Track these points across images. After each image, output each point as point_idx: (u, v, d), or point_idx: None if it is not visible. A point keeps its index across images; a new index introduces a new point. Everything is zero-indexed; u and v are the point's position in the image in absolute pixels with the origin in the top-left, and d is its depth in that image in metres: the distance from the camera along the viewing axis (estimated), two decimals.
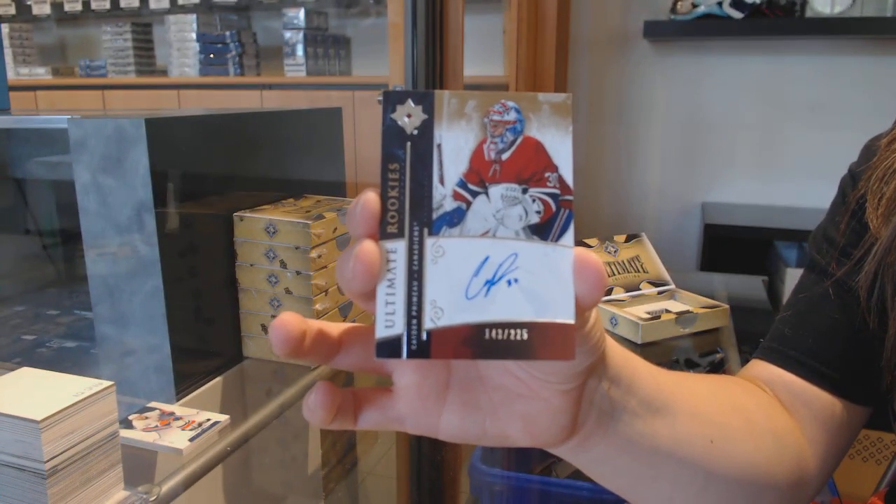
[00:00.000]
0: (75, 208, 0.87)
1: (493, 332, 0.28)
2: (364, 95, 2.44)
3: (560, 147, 0.28)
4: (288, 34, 2.83)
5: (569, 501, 0.75)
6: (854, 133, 2.17)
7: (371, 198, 0.27)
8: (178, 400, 0.89)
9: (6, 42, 3.25)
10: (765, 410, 0.50)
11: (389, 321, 0.27)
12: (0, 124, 1.14)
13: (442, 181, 0.28)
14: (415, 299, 0.28)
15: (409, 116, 0.28)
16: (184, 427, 0.77)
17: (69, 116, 0.86)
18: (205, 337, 0.95)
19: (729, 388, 0.50)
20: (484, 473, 0.77)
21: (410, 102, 0.28)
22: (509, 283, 0.28)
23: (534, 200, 0.28)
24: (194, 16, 2.99)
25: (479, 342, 0.28)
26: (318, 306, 0.96)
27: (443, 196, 0.28)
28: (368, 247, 0.27)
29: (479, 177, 0.28)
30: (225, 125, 1.00)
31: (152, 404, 0.83)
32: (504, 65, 2.35)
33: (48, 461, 0.55)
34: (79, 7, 3.16)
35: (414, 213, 0.28)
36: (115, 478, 0.62)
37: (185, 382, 0.91)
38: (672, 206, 2.55)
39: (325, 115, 1.25)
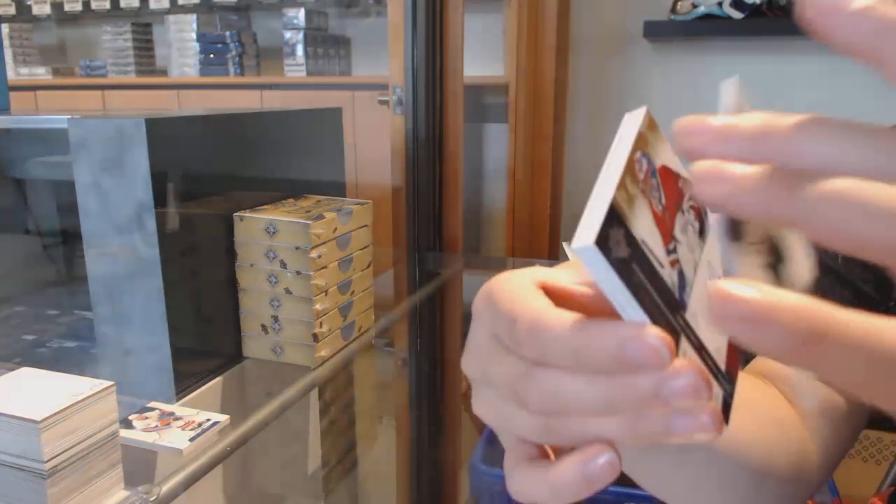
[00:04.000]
0: (75, 208, 0.87)
1: None
2: (364, 95, 2.44)
3: (672, 154, 0.28)
4: (288, 34, 2.82)
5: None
6: None
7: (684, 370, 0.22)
8: (178, 400, 0.89)
9: (6, 42, 3.25)
10: (770, 401, 0.50)
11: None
12: (0, 124, 1.14)
13: (661, 265, 0.26)
14: (717, 373, 0.27)
15: (618, 243, 0.24)
16: (184, 427, 0.77)
17: (69, 116, 0.86)
18: (205, 337, 0.95)
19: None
20: (484, 473, 0.77)
21: (612, 231, 0.24)
22: None
23: (690, 210, 0.29)
24: (194, 16, 2.99)
25: None
26: (318, 306, 0.96)
27: (668, 275, 0.26)
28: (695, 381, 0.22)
29: (668, 232, 0.27)
30: (225, 125, 1.00)
31: (152, 404, 0.83)
32: (504, 65, 2.35)
33: (48, 461, 0.55)
34: (79, 7, 3.16)
35: (670, 309, 0.26)
36: (115, 478, 0.62)
37: (185, 382, 0.91)
38: None
39: (325, 115, 1.25)
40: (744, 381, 0.52)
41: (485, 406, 0.27)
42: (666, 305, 0.25)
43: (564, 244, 0.26)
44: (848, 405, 0.52)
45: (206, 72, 2.96)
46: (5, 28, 3.27)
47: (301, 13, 2.82)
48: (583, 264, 0.23)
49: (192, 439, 0.74)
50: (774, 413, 0.49)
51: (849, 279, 0.53)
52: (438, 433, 0.89)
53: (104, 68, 3.18)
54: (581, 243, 0.22)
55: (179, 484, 0.71)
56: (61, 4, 3.19)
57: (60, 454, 0.56)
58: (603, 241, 0.23)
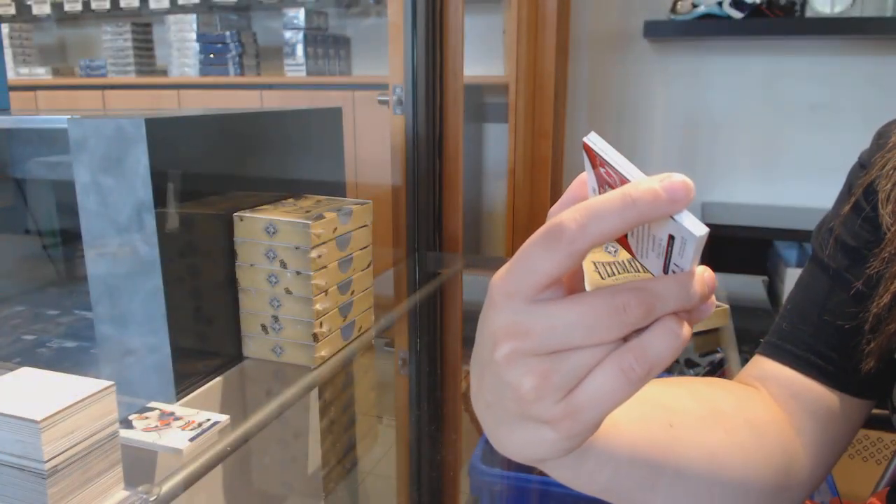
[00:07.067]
0: (75, 208, 0.87)
1: None
2: (364, 95, 2.44)
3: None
4: (288, 34, 2.82)
5: (568, 501, 0.75)
6: (854, 133, 2.17)
7: None
8: (178, 400, 0.89)
9: (6, 42, 3.25)
10: (746, 406, 0.49)
11: None
12: (0, 124, 1.14)
13: None
14: None
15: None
16: (184, 427, 0.77)
17: (69, 116, 0.86)
18: (205, 337, 0.95)
19: (689, 385, 0.49)
20: (484, 473, 0.77)
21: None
22: None
23: None
24: (194, 16, 2.99)
25: None
26: (318, 306, 0.96)
27: None
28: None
29: None
30: (225, 125, 1.00)
31: (152, 404, 0.83)
32: (504, 65, 2.35)
33: (48, 461, 0.55)
34: (79, 7, 3.16)
35: None
36: (115, 478, 0.62)
37: (185, 382, 0.91)
38: None
39: (325, 115, 1.25)
40: (705, 385, 0.50)
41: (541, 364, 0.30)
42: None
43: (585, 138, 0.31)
44: (842, 403, 0.52)
45: (206, 72, 2.96)
46: (5, 28, 3.27)
47: (301, 13, 2.82)
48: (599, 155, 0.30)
49: (192, 439, 0.74)
50: (746, 416, 0.48)
51: (827, 265, 0.54)
52: (438, 433, 0.89)
53: (104, 68, 3.18)
54: (592, 137, 0.30)
55: (179, 484, 0.71)
56: (61, 4, 3.19)
57: (60, 454, 0.56)
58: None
